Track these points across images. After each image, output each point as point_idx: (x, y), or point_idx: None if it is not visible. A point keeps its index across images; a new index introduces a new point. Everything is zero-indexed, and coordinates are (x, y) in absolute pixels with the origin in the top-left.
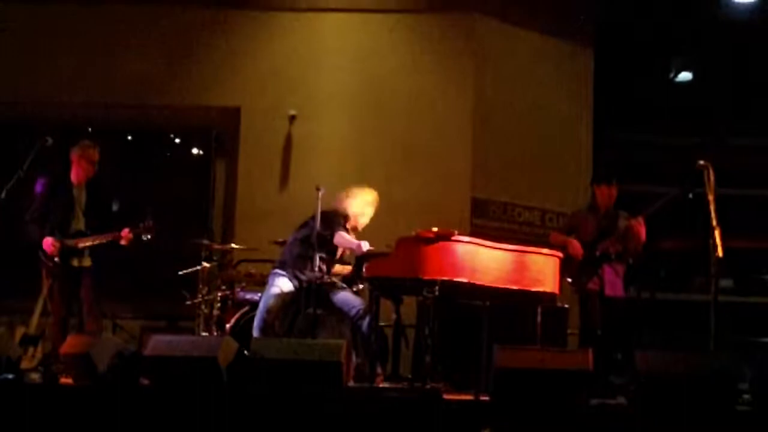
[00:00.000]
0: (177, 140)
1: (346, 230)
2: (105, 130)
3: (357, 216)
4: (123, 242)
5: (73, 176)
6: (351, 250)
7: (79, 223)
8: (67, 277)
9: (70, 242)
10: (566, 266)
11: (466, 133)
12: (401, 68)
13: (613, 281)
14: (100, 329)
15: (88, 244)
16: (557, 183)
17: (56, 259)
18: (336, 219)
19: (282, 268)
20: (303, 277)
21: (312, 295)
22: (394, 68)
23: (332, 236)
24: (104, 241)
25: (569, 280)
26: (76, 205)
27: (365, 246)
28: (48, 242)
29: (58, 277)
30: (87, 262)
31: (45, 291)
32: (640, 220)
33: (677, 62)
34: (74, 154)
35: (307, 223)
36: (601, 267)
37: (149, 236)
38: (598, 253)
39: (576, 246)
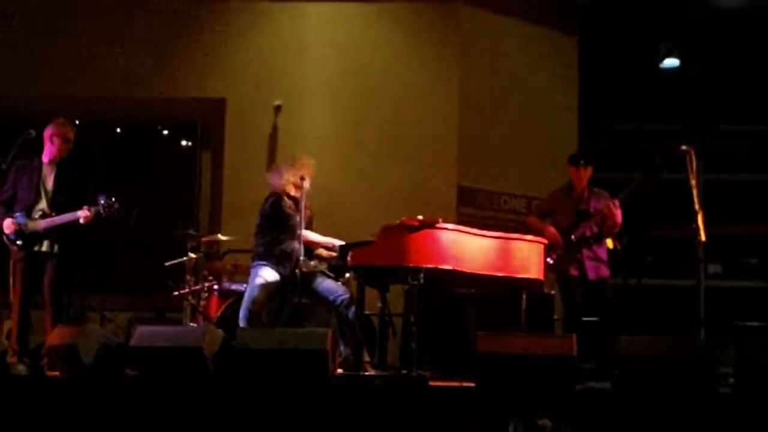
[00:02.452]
0: (164, 132)
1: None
2: (92, 123)
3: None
4: (82, 221)
5: (45, 155)
6: (325, 246)
7: (44, 205)
8: (30, 263)
9: (31, 224)
10: (548, 249)
11: (452, 122)
12: (387, 58)
13: (594, 265)
14: (59, 322)
15: (45, 225)
16: (544, 171)
17: (18, 242)
18: (280, 203)
19: (261, 258)
20: (286, 265)
21: (297, 285)
22: (380, 58)
23: (284, 219)
24: (63, 222)
25: (550, 261)
26: (41, 186)
27: (338, 242)
28: (7, 223)
29: (21, 262)
30: (50, 247)
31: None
32: (616, 203)
33: (664, 48)
34: (47, 131)
35: (262, 211)
36: (580, 252)
37: (112, 213)
38: (574, 238)
39: (553, 233)
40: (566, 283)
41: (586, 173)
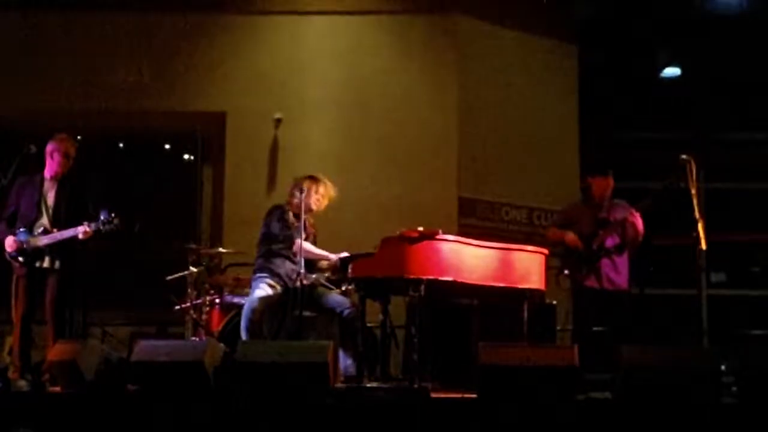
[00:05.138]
0: (165, 146)
1: (291, 224)
2: (93, 137)
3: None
4: (82, 237)
5: (46, 171)
6: (324, 259)
7: (46, 221)
8: (32, 279)
9: (33, 240)
10: (566, 260)
11: (451, 133)
12: (386, 69)
13: (610, 276)
14: (61, 337)
15: (47, 241)
16: (544, 181)
17: (20, 258)
18: (283, 215)
19: (261, 271)
20: (284, 276)
21: (299, 297)
22: (379, 70)
23: (283, 234)
24: (64, 238)
25: (566, 272)
26: (42, 202)
27: (334, 256)
28: (9, 240)
29: (23, 278)
30: (52, 263)
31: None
32: (636, 213)
33: (663, 57)
34: (48, 147)
35: (267, 221)
36: (599, 262)
37: (112, 229)
38: (595, 247)
39: (573, 238)
40: (581, 293)
41: (610, 184)
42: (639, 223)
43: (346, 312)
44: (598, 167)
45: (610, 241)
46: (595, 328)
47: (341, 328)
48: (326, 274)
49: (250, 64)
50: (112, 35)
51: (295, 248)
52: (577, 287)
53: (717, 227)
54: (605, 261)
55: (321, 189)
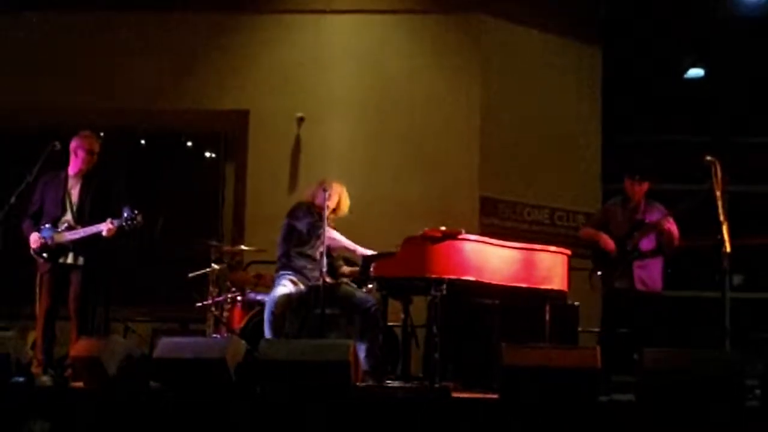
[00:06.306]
0: (188, 144)
1: (316, 221)
2: (116, 135)
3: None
4: (105, 234)
5: (70, 168)
6: (351, 250)
7: (70, 217)
8: (55, 275)
9: (57, 237)
10: (598, 260)
11: (473, 133)
12: (408, 69)
13: (643, 277)
14: (84, 333)
15: (70, 238)
16: (566, 181)
17: (44, 254)
18: (310, 211)
19: (285, 269)
20: (307, 274)
21: (321, 295)
22: (402, 69)
23: (308, 231)
24: (88, 234)
25: (599, 273)
26: (66, 199)
27: (361, 250)
28: (33, 236)
29: (47, 274)
30: (75, 259)
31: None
32: (670, 218)
33: (687, 59)
34: (72, 144)
35: (290, 219)
36: (632, 264)
37: (135, 226)
38: (629, 249)
39: (607, 241)
40: (612, 295)
41: (641, 188)
42: (675, 229)
43: (373, 308)
44: (631, 168)
45: (646, 244)
46: (621, 330)
47: (363, 323)
48: (348, 279)
49: (274, 62)
50: (135, 33)
51: (321, 240)
52: (608, 288)
53: (736, 230)
54: (638, 263)
55: (338, 189)
